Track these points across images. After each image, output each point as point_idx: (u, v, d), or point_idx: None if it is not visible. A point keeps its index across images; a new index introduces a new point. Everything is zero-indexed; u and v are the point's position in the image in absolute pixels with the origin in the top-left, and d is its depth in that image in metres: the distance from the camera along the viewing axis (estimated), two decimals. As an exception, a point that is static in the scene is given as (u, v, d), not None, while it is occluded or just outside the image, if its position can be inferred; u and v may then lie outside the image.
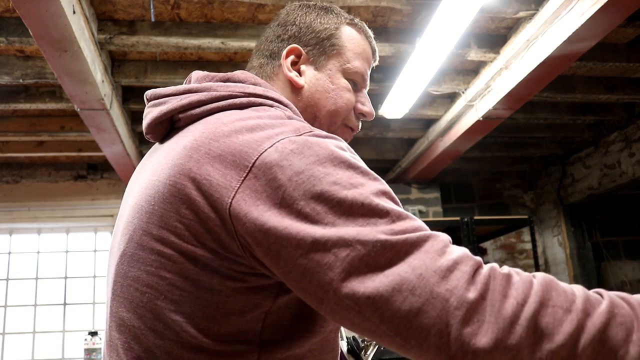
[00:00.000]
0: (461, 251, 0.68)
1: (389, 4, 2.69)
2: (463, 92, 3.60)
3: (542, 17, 2.69)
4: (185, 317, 0.72)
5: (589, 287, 0.70)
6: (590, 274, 5.22)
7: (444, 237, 0.70)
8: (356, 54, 0.96)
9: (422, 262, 0.64)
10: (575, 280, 5.17)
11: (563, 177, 5.28)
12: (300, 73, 0.95)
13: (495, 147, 4.91)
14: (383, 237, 0.66)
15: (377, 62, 1.03)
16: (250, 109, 0.82)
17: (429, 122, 4.26)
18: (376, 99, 3.76)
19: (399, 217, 0.70)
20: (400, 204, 0.76)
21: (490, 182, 5.71)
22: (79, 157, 4.86)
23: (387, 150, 4.86)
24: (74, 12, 2.33)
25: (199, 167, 0.72)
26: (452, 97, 3.85)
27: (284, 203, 0.68)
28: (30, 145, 4.36)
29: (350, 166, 0.75)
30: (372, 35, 1.02)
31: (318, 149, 0.73)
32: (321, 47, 0.95)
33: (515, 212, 5.64)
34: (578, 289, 0.68)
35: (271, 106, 0.84)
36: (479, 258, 0.68)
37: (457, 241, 4.67)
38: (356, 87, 0.97)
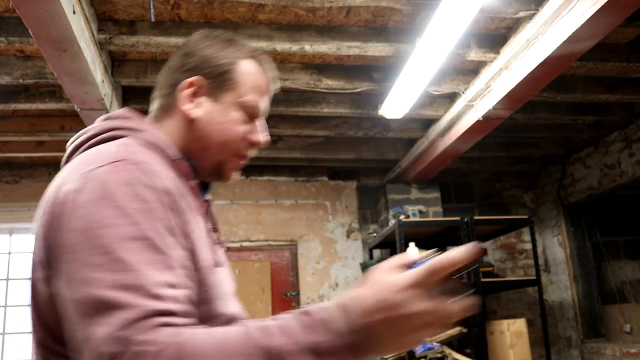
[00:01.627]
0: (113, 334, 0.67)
1: (389, 4, 2.69)
2: (463, 92, 3.60)
3: (542, 17, 2.69)
4: None
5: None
6: (590, 274, 5.22)
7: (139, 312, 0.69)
8: (251, 88, 1.01)
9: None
10: (575, 280, 5.18)
11: (563, 177, 5.27)
12: (198, 104, 0.99)
13: (495, 147, 4.91)
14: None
15: (276, 90, 1.10)
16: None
17: (429, 122, 4.26)
18: (376, 99, 3.76)
19: None
20: None
21: (490, 182, 5.70)
22: (79, 157, 4.85)
23: (387, 150, 4.86)
24: (74, 12, 2.33)
25: None
26: (452, 97, 3.85)
27: None
28: (30, 145, 4.36)
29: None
30: (271, 69, 1.08)
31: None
32: (218, 81, 1.00)
33: (515, 212, 5.64)
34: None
35: (124, 136, 0.91)
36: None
37: (457, 241, 4.68)
38: (250, 118, 1.02)
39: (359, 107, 3.89)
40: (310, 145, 4.74)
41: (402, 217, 4.40)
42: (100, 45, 2.88)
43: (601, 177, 4.74)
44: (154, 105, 1.04)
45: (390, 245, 4.86)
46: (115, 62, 3.29)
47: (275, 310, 5.02)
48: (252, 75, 1.02)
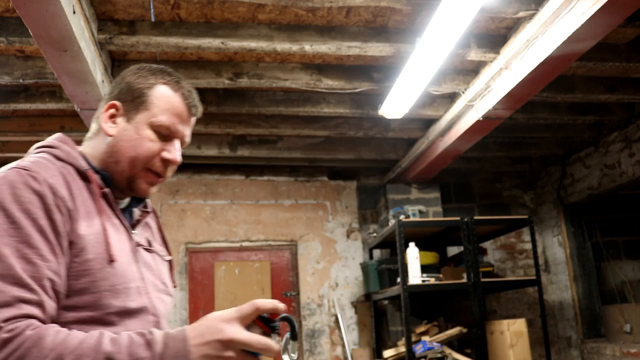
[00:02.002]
0: None
1: (389, 4, 2.69)
2: (463, 92, 3.60)
3: (542, 17, 2.69)
4: None
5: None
6: (590, 274, 5.22)
7: None
8: (163, 110, 1.12)
9: None
10: (575, 280, 5.18)
11: (563, 177, 5.27)
12: (115, 124, 1.13)
13: (495, 147, 4.91)
14: None
15: (198, 115, 1.20)
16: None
17: (429, 122, 4.26)
18: (376, 99, 3.76)
19: None
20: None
21: (490, 182, 5.71)
22: (79, 157, 4.85)
23: (387, 150, 4.86)
24: (74, 12, 2.33)
25: None
26: (452, 97, 3.85)
27: None
28: (30, 145, 4.31)
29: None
30: (192, 94, 1.17)
31: None
32: (133, 103, 1.13)
33: (515, 212, 5.64)
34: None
35: (42, 152, 1.09)
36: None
37: (457, 241, 4.69)
38: (164, 137, 1.13)
39: (359, 107, 3.90)
40: (310, 145, 4.74)
41: (402, 217, 4.40)
42: (100, 45, 2.88)
43: (601, 177, 4.74)
44: (91, 127, 1.19)
45: (390, 245, 4.86)
46: (116, 62, 3.29)
47: (275, 310, 5.01)
48: (167, 98, 1.13)
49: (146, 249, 1.16)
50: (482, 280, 4.07)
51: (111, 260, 1.01)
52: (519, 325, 3.97)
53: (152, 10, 2.72)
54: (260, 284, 5.06)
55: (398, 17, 2.96)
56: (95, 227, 1.02)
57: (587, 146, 4.91)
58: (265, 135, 4.55)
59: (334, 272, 5.15)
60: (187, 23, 2.89)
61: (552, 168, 5.44)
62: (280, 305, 0.92)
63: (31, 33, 2.35)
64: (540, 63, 2.88)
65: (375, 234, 4.94)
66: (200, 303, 4.91)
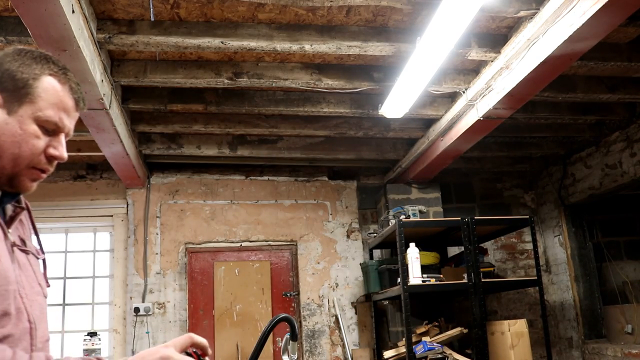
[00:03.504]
0: None
1: (389, 4, 2.68)
2: (463, 92, 3.59)
3: (543, 17, 2.68)
4: None
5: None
6: (592, 274, 5.21)
7: None
8: (50, 104, 1.03)
9: None
10: (576, 280, 5.16)
11: (564, 177, 5.26)
12: None
13: (495, 147, 4.90)
14: None
15: (84, 109, 1.13)
16: None
17: (429, 122, 4.25)
18: (376, 98, 3.75)
19: None
20: None
21: (490, 182, 5.70)
22: (78, 157, 4.85)
23: (387, 150, 4.85)
24: (73, 12, 2.32)
25: None
26: (452, 97, 3.84)
27: None
28: (29, 145, 4.34)
29: None
30: (79, 87, 1.10)
31: None
32: (16, 94, 1.02)
33: (516, 212, 5.63)
34: None
35: None
36: None
37: (457, 241, 4.67)
38: (50, 132, 1.04)
39: (359, 107, 3.89)
40: (310, 145, 4.73)
41: (402, 217, 4.39)
42: (100, 45, 2.87)
43: (602, 177, 4.73)
44: None
45: (390, 245, 4.85)
46: (115, 62, 3.28)
47: (275, 310, 5.01)
48: (54, 91, 1.04)
49: (21, 250, 1.08)
50: (483, 280, 4.05)
51: None
52: (519, 325, 3.95)
53: (151, 10, 2.72)
54: (260, 284, 5.05)
55: (398, 17, 2.95)
56: None
57: (588, 146, 4.90)
58: (265, 135, 4.54)
59: (334, 272, 5.14)
60: (186, 22, 2.88)
61: (553, 168, 5.43)
62: (209, 349, 1.01)
63: (30, 32, 2.35)
64: (541, 62, 2.87)
65: (375, 234, 4.93)
66: (200, 303, 4.90)
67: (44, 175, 1.08)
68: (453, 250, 5.09)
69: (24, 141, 1.01)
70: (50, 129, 1.04)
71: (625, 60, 3.29)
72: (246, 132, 4.36)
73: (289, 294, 5.09)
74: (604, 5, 2.38)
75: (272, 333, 1.38)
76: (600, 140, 4.73)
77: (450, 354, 4.03)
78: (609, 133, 4.60)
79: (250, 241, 5.12)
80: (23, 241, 1.11)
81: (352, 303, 5.10)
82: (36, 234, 1.22)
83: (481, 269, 4.12)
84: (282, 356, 1.42)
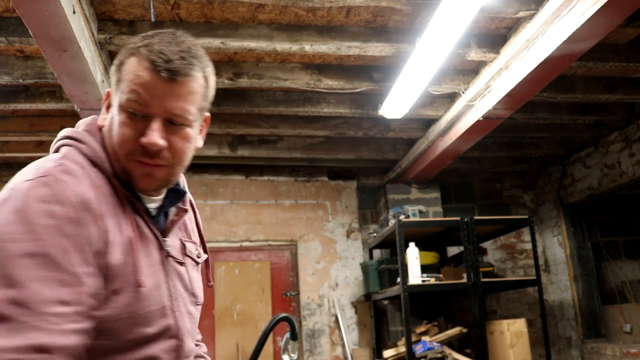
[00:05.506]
0: None
1: (389, 4, 2.69)
2: (463, 92, 3.60)
3: (542, 17, 2.69)
4: None
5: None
6: (591, 274, 5.22)
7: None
8: (130, 83, 0.92)
9: None
10: (575, 280, 5.17)
11: (563, 177, 5.27)
12: (109, 113, 0.99)
13: (495, 147, 4.91)
14: None
15: (180, 78, 0.92)
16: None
17: (429, 122, 4.26)
18: (376, 99, 3.76)
19: None
20: None
21: (490, 182, 5.71)
22: (79, 157, 4.85)
23: (387, 150, 4.86)
24: (74, 12, 2.33)
25: None
26: (452, 97, 3.85)
27: None
28: (30, 145, 4.35)
29: None
30: (164, 56, 0.91)
31: None
32: (114, 85, 0.97)
33: (515, 212, 5.64)
34: None
35: (69, 145, 0.95)
36: None
37: (457, 241, 4.68)
38: (139, 118, 0.92)
39: (359, 107, 3.89)
40: (310, 145, 4.74)
41: (402, 217, 4.40)
42: (100, 45, 2.88)
43: (601, 177, 4.74)
44: None
45: (390, 245, 4.86)
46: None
47: (275, 310, 5.02)
48: (133, 71, 0.92)
49: (177, 262, 1.03)
50: (482, 280, 4.06)
51: (138, 286, 0.91)
52: (519, 325, 3.96)
53: (152, 10, 2.72)
54: (260, 284, 5.06)
55: (398, 17, 2.96)
56: (125, 246, 0.91)
57: (587, 146, 4.91)
58: (265, 135, 4.55)
59: (334, 272, 5.15)
60: (187, 23, 2.89)
61: (552, 168, 5.44)
62: None
63: (31, 33, 2.35)
64: (541, 63, 2.88)
65: (375, 234, 4.94)
66: (200, 303, 4.91)
67: (154, 168, 0.95)
68: (452, 250, 5.10)
69: (116, 133, 0.94)
70: (138, 114, 0.92)
71: (624, 60, 3.29)
72: (246, 132, 4.36)
73: (289, 294, 5.09)
74: (603, 6, 2.39)
75: (272, 333, 1.38)
76: (599, 140, 4.74)
77: (450, 353, 4.04)
78: (607, 133, 4.61)
79: (251, 241, 5.13)
80: (183, 245, 1.06)
81: (352, 303, 5.11)
82: (200, 234, 1.16)
83: (480, 269, 4.13)
84: (282, 356, 1.43)
